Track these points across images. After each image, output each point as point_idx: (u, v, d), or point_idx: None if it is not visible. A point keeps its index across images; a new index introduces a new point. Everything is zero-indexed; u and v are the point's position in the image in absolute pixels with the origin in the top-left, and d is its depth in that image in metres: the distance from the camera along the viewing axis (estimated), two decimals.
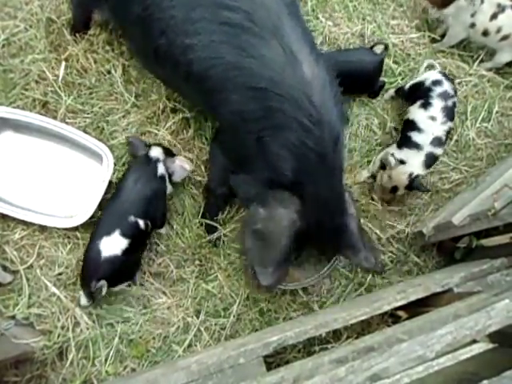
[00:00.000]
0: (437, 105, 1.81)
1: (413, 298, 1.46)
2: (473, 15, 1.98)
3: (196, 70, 1.27)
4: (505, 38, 2.00)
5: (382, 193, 1.87)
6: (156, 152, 1.66)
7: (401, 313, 1.65)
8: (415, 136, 1.80)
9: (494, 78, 2.18)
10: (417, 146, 1.78)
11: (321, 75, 1.20)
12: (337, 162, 1.25)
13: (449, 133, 1.85)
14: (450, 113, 1.82)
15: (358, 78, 1.90)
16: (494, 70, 2.20)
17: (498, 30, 1.98)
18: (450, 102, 1.82)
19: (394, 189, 1.80)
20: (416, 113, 1.84)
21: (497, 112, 2.14)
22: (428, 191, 1.92)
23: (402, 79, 2.12)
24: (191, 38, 1.22)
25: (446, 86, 1.84)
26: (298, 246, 1.37)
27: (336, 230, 1.38)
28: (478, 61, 2.18)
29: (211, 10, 1.17)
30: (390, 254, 1.90)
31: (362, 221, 1.89)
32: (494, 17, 1.95)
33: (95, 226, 1.58)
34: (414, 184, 1.76)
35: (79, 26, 1.89)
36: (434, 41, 2.19)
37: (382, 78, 2.02)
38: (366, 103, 2.07)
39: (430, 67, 2.00)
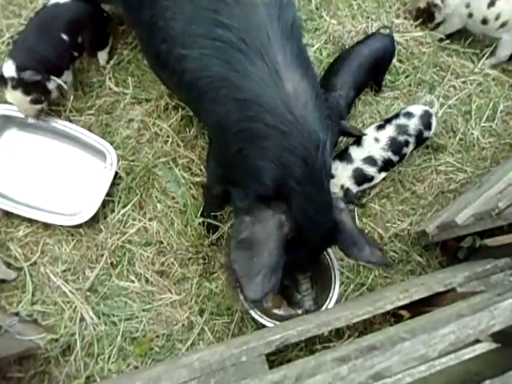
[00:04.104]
0: (388, 131, 1.80)
1: (416, 297, 1.46)
2: (467, 6, 2.00)
3: (187, 80, 1.33)
4: (504, 24, 2.00)
5: None
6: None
7: (403, 312, 1.64)
8: (352, 150, 1.81)
9: (499, 77, 2.18)
10: (348, 160, 1.78)
11: (304, 91, 1.22)
12: (320, 163, 1.24)
13: (389, 164, 1.82)
14: (394, 146, 1.79)
15: (383, 62, 1.94)
16: (498, 68, 2.19)
17: (497, 17, 1.99)
18: (401, 138, 1.80)
19: None
20: (368, 129, 1.86)
21: (501, 111, 2.13)
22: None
23: (406, 77, 2.12)
24: (186, 50, 1.28)
25: (411, 123, 1.81)
26: (290, 255, 1.29)
27: (331, 227, 1.35)
28: (483, 59, 2.17)
29: (208, 26, 1.23)
30: (393, 254, 1.89)
31: (364, 220, 1.90)
32: (491, 4, 1.97)
33: None
34: (349, 197, 1.75)
35: None
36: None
37: None
38: (371, 102, 2.07)
39: (430, 104, 1.96)
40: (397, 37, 2.14)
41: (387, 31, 1.95)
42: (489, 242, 1.65)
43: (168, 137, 1.87)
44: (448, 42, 2.19)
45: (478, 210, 1.62)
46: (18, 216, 1.72)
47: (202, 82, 1.29)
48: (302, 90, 1.21)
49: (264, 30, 1.20)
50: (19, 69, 1.55)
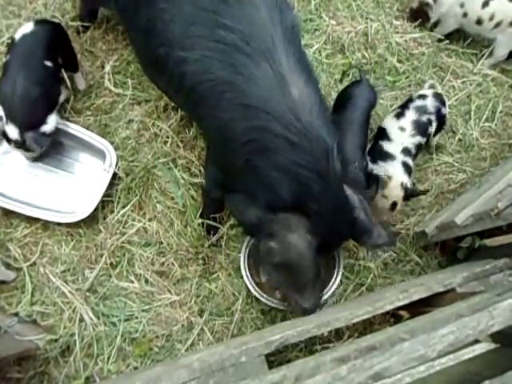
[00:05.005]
0: (409, 116, 1.79)
1: (415, 297, 1.46)
2: (462, 5, 2.01)
3: (187, 83, 1.31)
4: (498, 24, 2.01)
5: (381, 215, 1.77)
6: None
7: (403, 312, 1.64)
8: (386, 145, 1.77)
9: (498, 77, 2.18)
10: (390, 157, 1.75)
11: (309, 96, 1.22)
12: (332, 171, 1.24)
13: (419, 148, 1.80)
14: (420, 127, 1.78)
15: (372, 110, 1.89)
16: (498, 68, 2.20)
17: (491, 18, 1.99)
18: (424, 118, 1.79)
19: (394, 205, 1.72)
20: (388, 121, 1.84)
21: (501, 111, 2.13)
22: (426, 192, 1.82)
23: (406, 78, 2.12)
24: (186, 52, 1.25)
25: (428, 102, 1.81)
26: (321, 258, 1.37)
27: (349, 227, 1.38)
28: (482, 59, 2.18)
29: (209, 27, 1.21)
30: (392, 253, 1.89)
31: None
32: (485, 4, 1.97)
33: None
34: (409, 192, 1.71)
35: (85, 16, 1.91)
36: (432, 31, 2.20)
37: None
38: None
39: (432, 87, 1.99)
40: (396, 37, 2.15)
41: (359, 74, 1.93)
42: (488, 242, 1.65)
43: (167, 137, 1.87)
44: (447, 42, 2.19)
45: (478, 210, 1.62)
46: (17, 216, 1.72)
47: (204, 86, 1.26)
48: (306, 95, 1.21)
49: (268, 33, 1.19)
50: (22, 130, 1.59)
